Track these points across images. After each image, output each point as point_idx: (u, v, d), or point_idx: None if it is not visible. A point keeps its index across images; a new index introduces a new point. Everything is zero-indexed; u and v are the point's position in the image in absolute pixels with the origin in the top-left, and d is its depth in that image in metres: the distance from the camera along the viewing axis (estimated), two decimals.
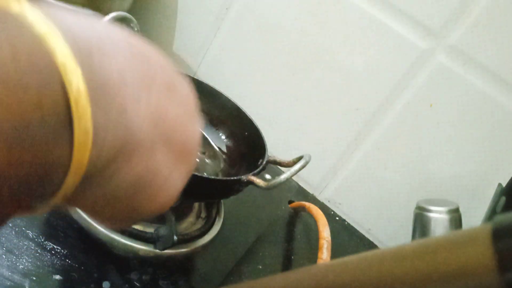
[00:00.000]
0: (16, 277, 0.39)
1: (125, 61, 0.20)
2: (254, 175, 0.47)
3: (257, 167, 0.50)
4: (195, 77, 0.61)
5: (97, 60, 0.19)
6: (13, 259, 0.40)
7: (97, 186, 0.21)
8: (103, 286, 0.42)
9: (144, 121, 0.21)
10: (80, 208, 0.23)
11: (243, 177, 0.46)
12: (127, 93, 0.20)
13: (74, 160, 0.18)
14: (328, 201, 0.77)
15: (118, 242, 0.45)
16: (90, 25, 0.20)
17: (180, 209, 0.54)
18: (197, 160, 0.58)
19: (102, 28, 0.21)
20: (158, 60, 0.23)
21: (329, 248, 0.54)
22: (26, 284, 0.39)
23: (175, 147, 0.23)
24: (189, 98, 0.26)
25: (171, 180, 0.24)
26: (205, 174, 0.57)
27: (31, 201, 0.19)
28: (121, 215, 0.24)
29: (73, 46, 0.17)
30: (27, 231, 0.43)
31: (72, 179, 0.19)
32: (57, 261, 0.42)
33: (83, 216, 0.45)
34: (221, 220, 0.56)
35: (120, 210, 0.23)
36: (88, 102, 0.18)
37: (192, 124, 0.25)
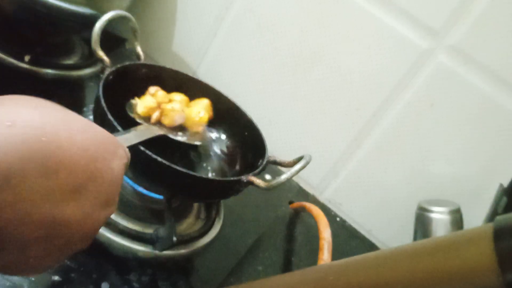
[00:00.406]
0: (15, 278, 0.39)
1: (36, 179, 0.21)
2: (254, 175, 0.47)
3: (257, 167, 0.50)
4: (195, 77, 0.61)
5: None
6: None
7: None
8: (102, 287, 0.42)
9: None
10: None
11: (243, 177, 0.46)
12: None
13: None
14: (329, 202, 0.76)
15: (117, 243, 0.45)
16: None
17: (180, 210, 0.54)
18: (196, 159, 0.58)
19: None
20: (74, 159, 0.23)
21: (330, 248, 0.54)
22: (25, 285, 0.39)
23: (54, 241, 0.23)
24: (102, 186, 0.25)
25: (44, 261, 0.24)
26: (205, 174, 0.57)
27: None
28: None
29: None
30: None
31: None
32: None
33: None
34: (221, 220, 0.56)
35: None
36: None
37: (96, 217, 0.25)
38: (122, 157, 0.27)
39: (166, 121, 0.51)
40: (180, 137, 0.52)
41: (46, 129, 0.22)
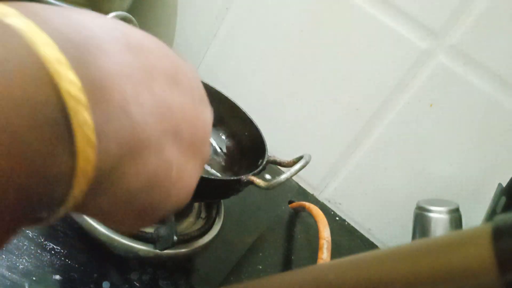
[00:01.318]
0: (16, 277, 0.39)
1: (122, 55, 0.19)
2: (254, 175, 0.47)
3: (257, 167, 0.50)
4: None
5: (91, 58, 0.18)
6: (13, 259, 0.40)
7: (106, 192, 0.20)
8: (103, 286, 0.42)
9: (148, 117, 0.20)
10: (92, 216, 0.22)
11: (243, 177, 0.46)
12: (127, 89, 0.19)
13: (78, 170, 0.17)
14: (328, 201, 0.77)
15: (118, 242, 0.45)
16: (81, 20, 0.19)
17: (180, 209, 0.54)
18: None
19: (94, 22, 0.20)
20: (158, 50, 0.22)
21: (329, 248, 0.54)
22: (26, 284, 0.39)
23: (184, 139, 0.23)
24: (194, 85, 0.24)
25: (185, 174, 0.23)
26: (205, 174, 0.57)
27: (38, 212, 0.18)
28: (137, 218, 0.23)
29: (64, 47, 0.16)
30: (27, 231, 0.43)
31: (78, 189, 0.18)
32: (57, 261, 0.42)
33: (83, 216, 0.45)
34: (221, 220, 0.56)
35: (135, 213, 0.22)
36: (87, 108, 0.17)
37: (200, 112, 0.24)
38: (209, 107, 0.26)
39: None
40: None
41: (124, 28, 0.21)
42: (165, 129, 0.21)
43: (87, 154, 0.17)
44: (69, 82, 0.16)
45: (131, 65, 0.20)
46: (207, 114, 0.25)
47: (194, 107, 0.24)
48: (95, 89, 0.17)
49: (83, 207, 0.20)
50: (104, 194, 0.20)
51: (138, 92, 0.20)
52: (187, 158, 0.23)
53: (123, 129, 0.19)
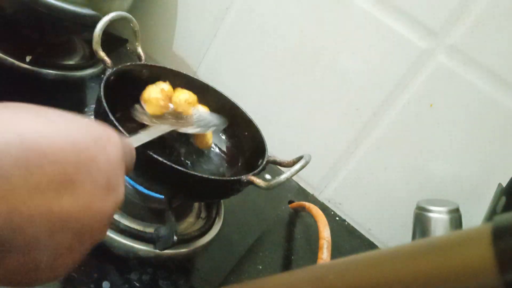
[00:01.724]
0: None
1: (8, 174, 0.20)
2: (254, 175, 0.47)
3: (257, 167, 0.50)
4: (195, 77, 0.61)
5: None
6: None
7: None
8: (103, 286, 0.42)
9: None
10: None
11: (243, 177, 0.46)
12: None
13: None
14: (328, 201, 0.77)
15: (118, 242, 0.45)
16: None
17: (180, 209, 0.54)
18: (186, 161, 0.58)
19: None
20: (53, 150, 0.23)
21: (329, 248, 0.54)
22: None
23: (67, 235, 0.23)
24: (96, 176, 0.24)
25: (56, 263, 0.24)
26: (205, 174, 0.57)
27: None
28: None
29: None
30: None
31: None
32: None
33: None
34: (221, 220, 0.56)
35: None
36: None
37: (98, 207, 0.25)
38: (116, 144, 0.27)
39: (179, 108, 0.53)
40: (190, 130, 0.52)
41: (24, 128, 0.22)
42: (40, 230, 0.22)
43: None
44: None
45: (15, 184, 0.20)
46: (107, 203, 0.25)
47: (90, 203, 0.24)
48: None
49: None
50: None
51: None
52: (64, 250, 0.24)
53: None
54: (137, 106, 0.51)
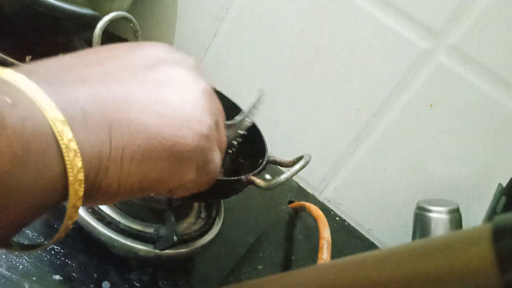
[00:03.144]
0: (16, 277, 0.39)
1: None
2: (254, 175, 0.47)
3: (257, 167, 0.50)
4: None
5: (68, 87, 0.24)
6: (13, 259, 0.40)
7: (106, 186, 0.25)
8: (103, 286, 0.42)
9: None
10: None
11: (243, 177, 0.46)
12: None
13: (70, 181, 0.21)
14: (328, 201, 0.77)
15: (118, 242, 0.45)
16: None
17: (180, 209, 0.54)
18: None
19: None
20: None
21: (329, 248, 0.54)
22: (26, 284, 0.39)
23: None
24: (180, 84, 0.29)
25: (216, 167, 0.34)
26: None
27: (46, 210, 0.22)
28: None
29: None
30: (27, 231, 0.43)
31: (74, 196, 0.22)
32: (57, 261, 0.42)
33: (83, 216, 0.45)
34: (221, 220, 0.56)
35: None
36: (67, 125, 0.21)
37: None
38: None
39: None
40: None
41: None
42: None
43: (74, 166, 0.22)
44: (52, 108, 0.21)
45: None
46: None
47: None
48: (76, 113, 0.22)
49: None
50: (105, 188, 0.25)
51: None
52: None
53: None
54: None
